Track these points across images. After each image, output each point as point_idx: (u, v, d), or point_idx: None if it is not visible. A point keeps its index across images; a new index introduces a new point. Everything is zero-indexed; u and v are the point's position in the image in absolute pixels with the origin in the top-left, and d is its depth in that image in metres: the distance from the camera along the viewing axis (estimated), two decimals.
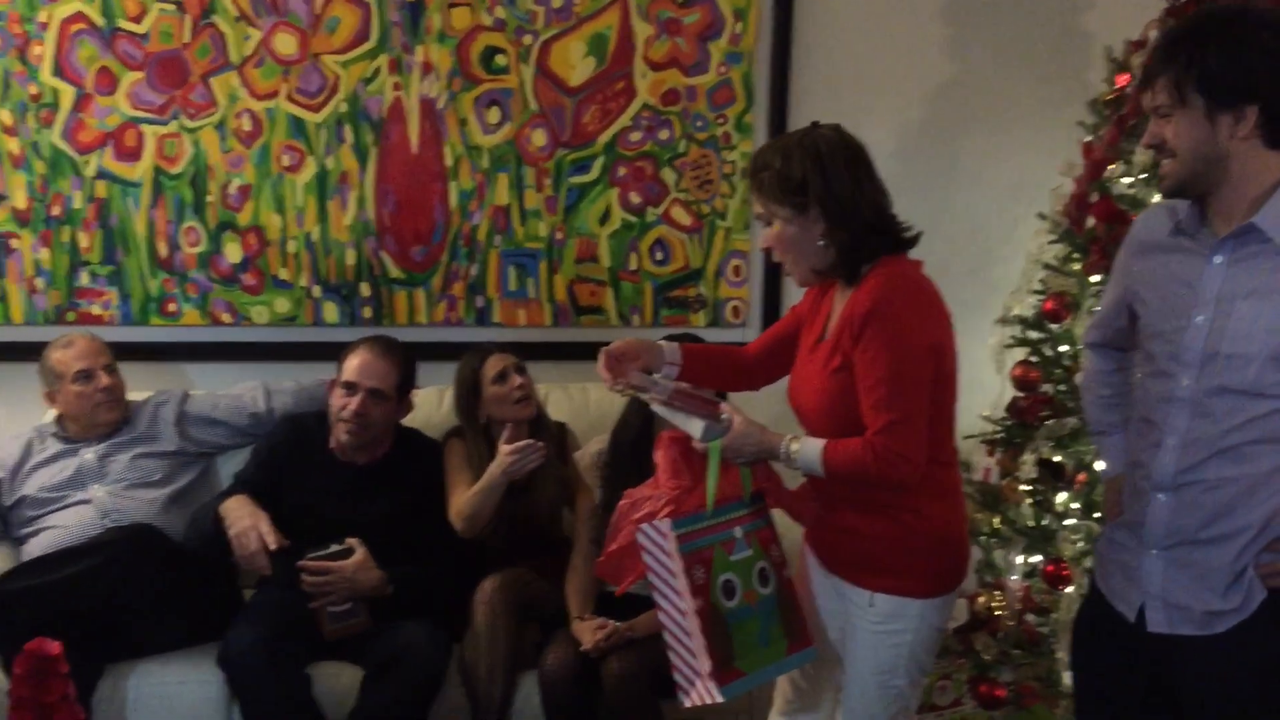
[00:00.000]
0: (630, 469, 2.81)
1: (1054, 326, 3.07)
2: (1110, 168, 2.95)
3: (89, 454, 3.12)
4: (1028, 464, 2.99)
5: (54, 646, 1.85)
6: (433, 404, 3.36)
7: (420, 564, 2.94)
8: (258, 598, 2.94)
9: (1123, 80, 3.01)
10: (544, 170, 3.53)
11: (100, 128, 3.33)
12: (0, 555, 3.03)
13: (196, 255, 3.42)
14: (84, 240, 3.37)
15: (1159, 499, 1.87)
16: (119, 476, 3.11)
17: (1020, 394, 3.11)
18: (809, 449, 2.07)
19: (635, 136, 3.55)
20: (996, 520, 3.13)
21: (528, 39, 3.46)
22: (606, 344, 2.24)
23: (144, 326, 3.44)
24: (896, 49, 3.64)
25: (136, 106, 3.33)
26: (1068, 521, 2.90)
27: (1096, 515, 2.82)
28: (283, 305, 3.48)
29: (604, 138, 3.54)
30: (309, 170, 3.43)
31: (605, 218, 3.58)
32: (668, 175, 3.59)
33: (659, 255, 3.63)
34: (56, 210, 3.35)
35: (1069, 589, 2.80)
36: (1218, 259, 1.80)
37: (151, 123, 3.35)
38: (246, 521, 2.85)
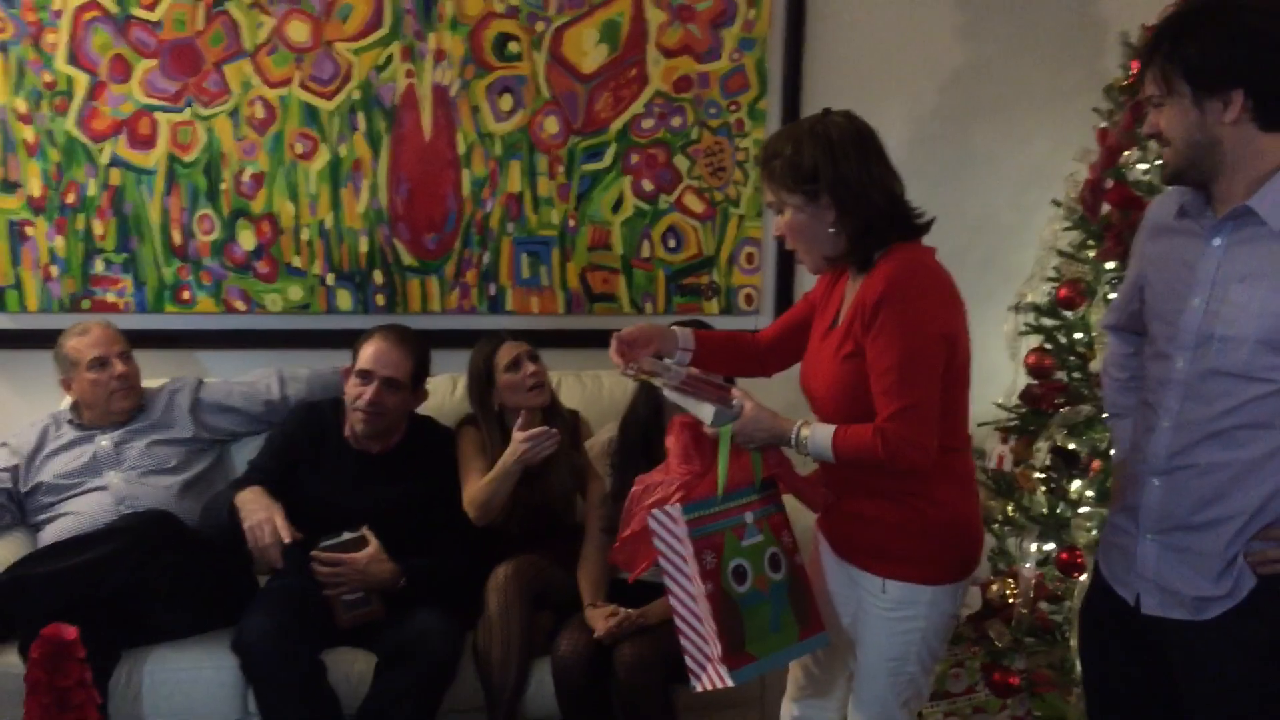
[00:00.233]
0: (639, 456, 2.82)
1: (1068, 313, 3.06)
2: (1125, 154, 2.94)
3: (104, 441, 3.14)
4: (1042, 451, 2.98)
5: (70, 631, 1.86)
6: (446, 391, 3.36)
7: (434, 552, 2.95)
8: (272, 584, 2.95)
9: (1138, 66, 2.99)
10: (557, 157, 3.53)
11: (114, 115, 3.34)
12: (17, 541, 3.06)
13: (210, 243, 3.43)
14: (98, 228, 3.38)
15: (1153, 483, 1.89)
16: (134, 463, 3.12)
17: (1034, 381, 3.11)
18: (819, 435, 2.07)
19: (648, 124, 3.55)
20: (1010, 508, 3.12)
21: (540, 26, 3.46)
22: (619, 331, 2.24)
23: (158, 314, 3.45)
24: (910, 36, 3.62)
25: (150, 94, 3.34)
26: (1082, 509, 2.89)
27: None
28: (296, 293, 3.49)
29: (617, 125, 3.53)
30: (322, 158, 3.43)
31: (618, 205, 3.58)
32: (680, 162, 3.58)
33: (672, 243, 3.63)
34: (71, 198, 3.36)
35: (1082, 577, 2.79)
36: (1216, 241, 1.81)
37: (165, 110, 3.35)
38: (261, 514, 2.86)
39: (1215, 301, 1.79)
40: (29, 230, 3.36)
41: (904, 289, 2.01)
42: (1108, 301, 2.87)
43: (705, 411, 2.10)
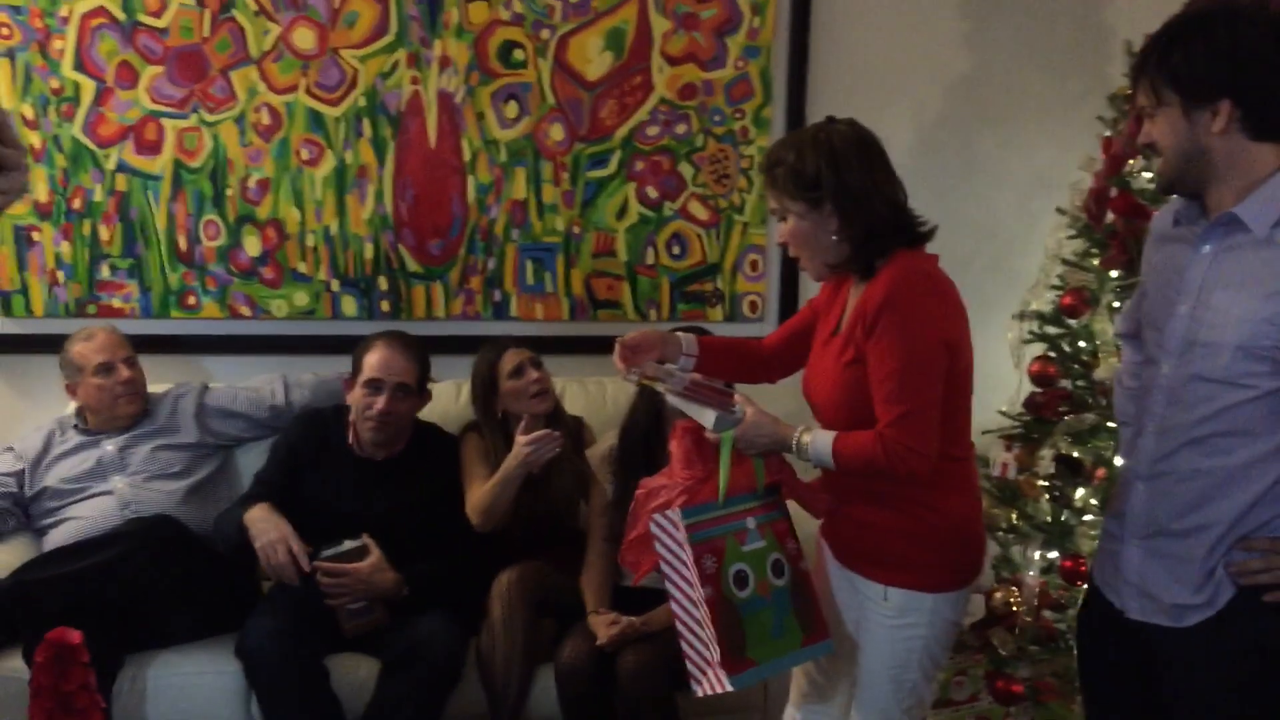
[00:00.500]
0: (640, 463, 2.82)
1: (1072, 322, 3.06)
2: (1130, 162, 2.94)
3: (110, 446, 3.15)
4: (1046, 459, 2.98)
5: (75, 636, 1.86)
6: (450, 398, 3.37)
7: (437, 558, 2.95)
8: (276, 590, 2.95)
9: None
10: (561, 164, 3.53)
11: (121, 121, 3.35)
12: (22, 546, 3.06)
13: (216, 249, 3.44)
14: (104, 233, 3.39)
15: (1138, 487, 1.90)
16: (139, 468, 3.13)
17: (1038, 389, 3.11)
18: (820, 441, 2.07)
19: (653, 131, 3.56)
20: (1014, 515, 3.12)
21: (545, 33, 3.46)
22: (622, 337, 2.24)
23: (164, 319, 3.46)
24: (914, 43, 3.63)
25: (156, 100, 3.35)
26: (1086, 517, 2.89)
27: None
28: (301, 299, 3.50)
29: (621, 132, 3.54)
30: (328, 164, 3.44)
31: (622, 212, 3.59)
32: (685, 170, 3.59)
33: (676, 250, 3.63)
34: (77, 203, 3.37)
35: (1086, 585, 2.79)
36: (1205, 248, 1.82)
37: (171, 116, 3.37)
38: (273, 534, 2.85)
39: (1200, 308, 1.80)
40: (35, 235, 3.37)
41: (905, 295, 2.01)
42: (1112, 309, 2.87)
43: (707, 417, 2.10)
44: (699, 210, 3.62)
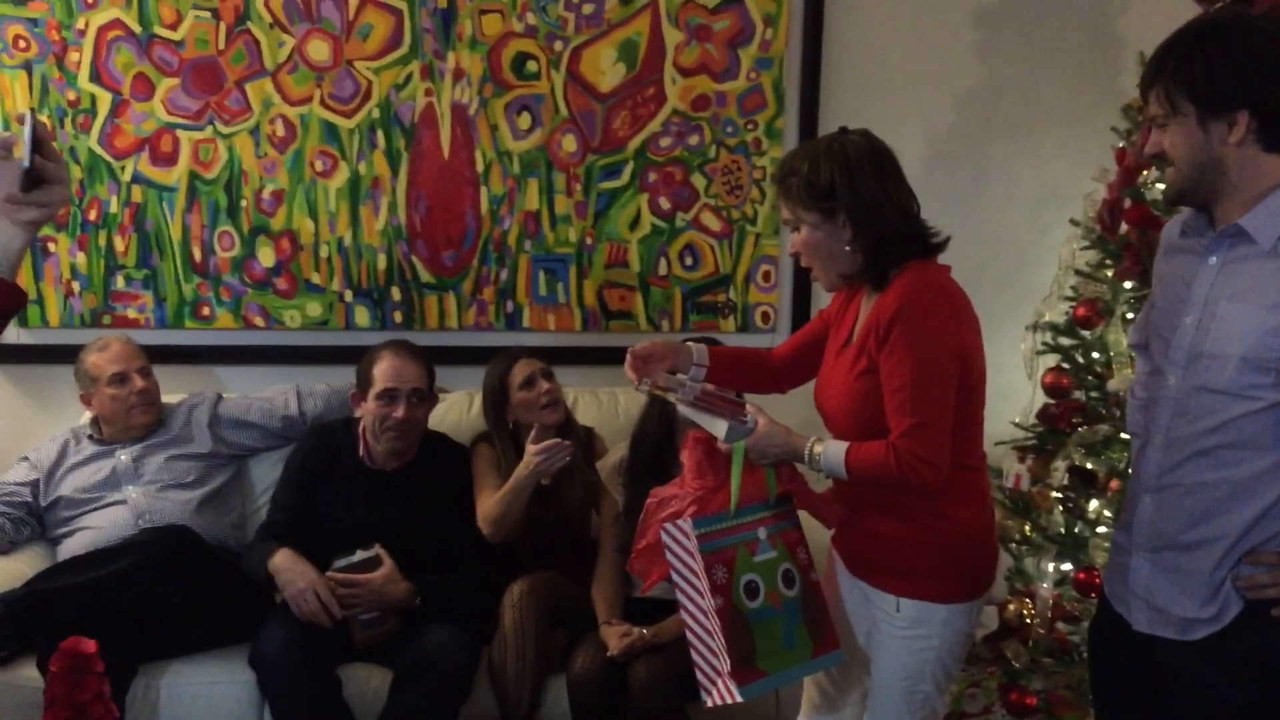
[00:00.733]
0: (651, 473, 2.82)
1: (1086, 333, 3.05)
2: (1143, 173, 2.93)
3: (124, 455, 3.16)
4: (1059, 471, 2.97)
5: (89, 645, 1.87)
6: (463, 408, 3.37)
7: (449, 568, 2.96)
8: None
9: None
10: (574, 175, 3.54)
11: (136, 133, 3.37)
12: (36, 555, 3.08)
13: (230, 260, 3.46)
14: (120, 244, 3.41)
15: (1145, 500, 1.89)
16: (153, 478, 3.14)
17: (1052, 400, 3.10)
18: (832, 451, 2.07)
19: (665, 142, 3.56)
20: (1027, 527, 3.11)
21: (559, 45, 3.48)
22: (634, 347, 2.24)
23: (178, 330, 3.48)
24: (927, 54, 3.63)
25: (172, 112, 3.38)
26: (1099, 529, 2.87)
27: None
28: (315, 309, 3.51)
29: (634, 143, 3.55)
30: (341, 175, 3.46)
31: (635, 223, 3.59)
32: (698, 181, 3.59)
33: (689, 260, 3.63)
34: (93, 215, 3.39)
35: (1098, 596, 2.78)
36: (1212, 260, 1.81)
37: (187, 128, 3.39)
38: (300, 584, 2.84)
39: (1206, 319, 1.79)
40: (51, 246, 3.39)
41: (918, 306, 2.01)
42: (1125, 321, 2.86)
43: (719, 427, 2.10)
44: (711, 221, 3.62)
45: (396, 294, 3.53)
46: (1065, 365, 3.09)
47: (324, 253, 3.48)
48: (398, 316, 3.54)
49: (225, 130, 3.40)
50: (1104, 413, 2.95)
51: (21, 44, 3.29)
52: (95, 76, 3.34)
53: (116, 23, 3.32)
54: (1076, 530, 2.96)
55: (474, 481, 3.07)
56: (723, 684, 2.01)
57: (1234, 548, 1.79)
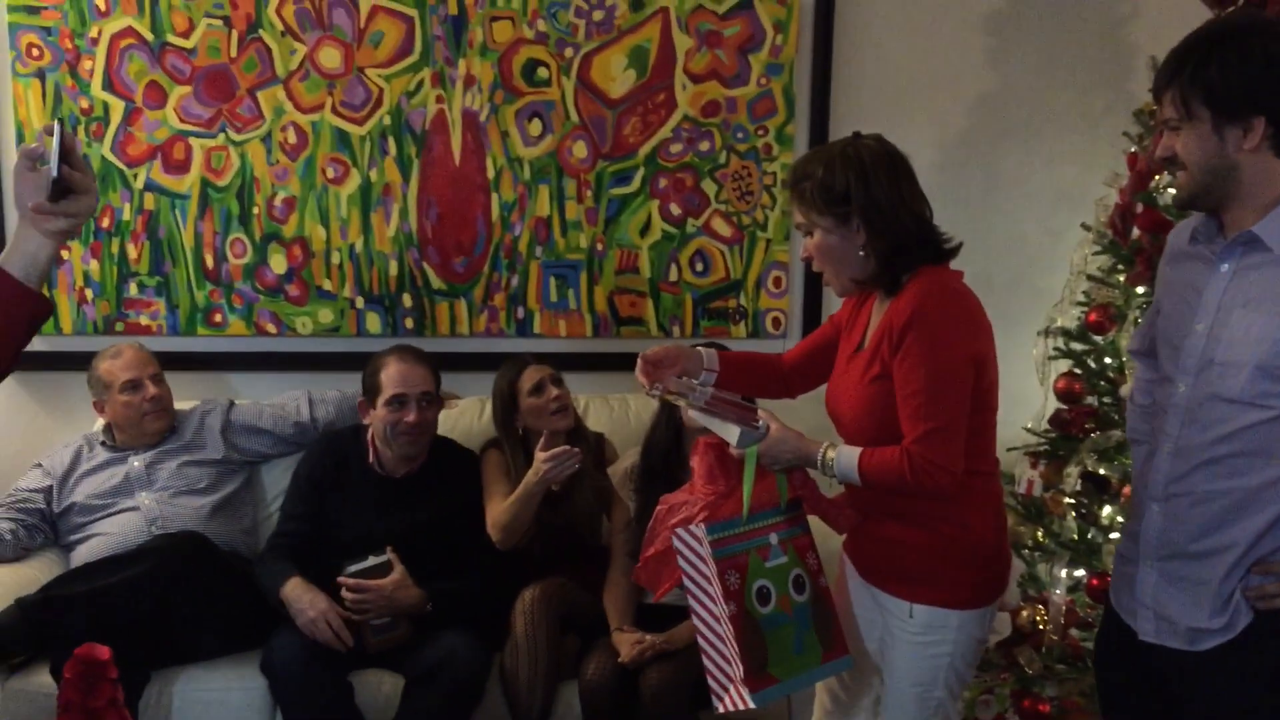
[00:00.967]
0: (661, 479, 2.82)
1: (1098, 338, 3.05)
2: (1155, 178, 2.93)
3: (137, 462, 3.17)
4: (1072, 477, 2.96)
5: (103, 652, 1.87)
6: (473, 414, 3.37)
7: (460, 574, 2.96)
8: None
9: None
10: (585, 182, 3.55)
11: (149, 141, 3.38)
12: (50, 562, 3.08)
13: (242, 266, 3.47)
14: (132, 252, 3.42)
15: (1153, 509, 1.88)
16: (165, 484, 3.15)
17: (1064, 406, 3.09)
18: (845, 457, 2.06)
19: (676, 148, 3.56)
20: (1040, 533, 3.10)
21: (569, 52, 3.48)
22: (644, 352, 2.24)
23: (191, 337, 3.49)
24: (938, 60, 3.63)
25: (184, 120, 3.39)
26: (1113, 535, 2.87)
27: None
28: (326, 316, 3.52)
29: (645, 149, 3.55)
30: (353, 182, 3.47)
31: (646, 229, 3.59)
32: (708, 186, 3.59)
33: (699, 266, 3.63)
34: (106, 222, 3.41)
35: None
36: (1224, 267, 1.80)
37: (199, 136, 3.40)
38: (311, 612, 2.83)
39: (1218, 326, 1.78)
40: (64, 254, 3.39)
41: (931, 312, 2.01)
42: (1138, 326, 2.86)
43: (730, 432, 2.10)
44: (722, 227, 3.62)
45: (408, 300, 3.54)
46: (1077, 370, 3.09)
47: (335, 259, 3.49)
48: (409, 323, 3.54)
49: (237, 138, 3.41)
50: (1117, 418, 2.95)
51: (35, 52, 3.31)
52: (108, 85, 3.35)
53: (129, 31, 3.33)
54: (1089, 536, 2.96)
55: (484, 488, 3.07)
56: (735, 690, 2.01)
57: (1244, 557, 1.78)
